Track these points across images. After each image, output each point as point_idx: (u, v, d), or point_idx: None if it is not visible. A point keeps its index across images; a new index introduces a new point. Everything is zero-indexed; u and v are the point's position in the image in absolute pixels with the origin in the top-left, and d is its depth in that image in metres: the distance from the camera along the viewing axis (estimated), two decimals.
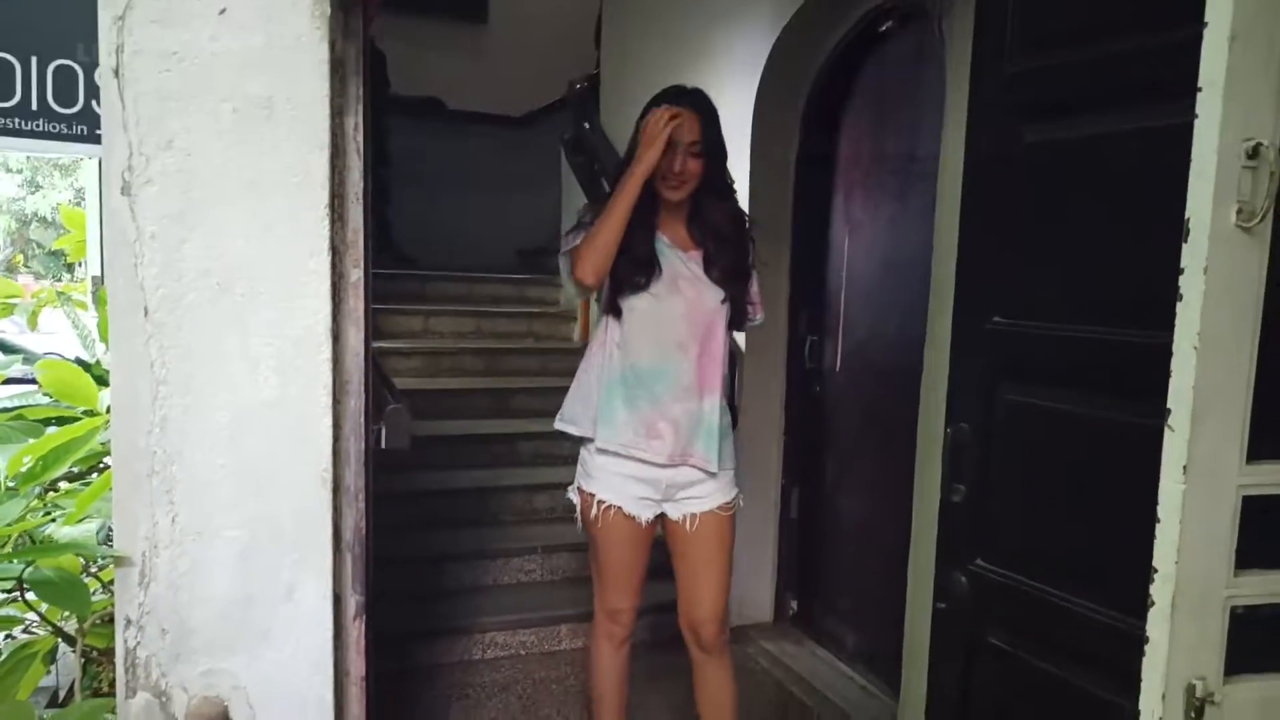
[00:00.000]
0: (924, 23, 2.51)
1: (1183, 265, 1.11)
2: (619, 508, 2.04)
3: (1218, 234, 1.09)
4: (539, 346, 5.07)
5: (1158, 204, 1.27)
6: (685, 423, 2.00)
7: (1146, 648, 1.16)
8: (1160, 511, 1.15)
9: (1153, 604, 1.16)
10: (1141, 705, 1.17)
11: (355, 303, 1.46)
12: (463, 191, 6.41)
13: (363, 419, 1.51)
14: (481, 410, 4.46)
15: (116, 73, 1.28)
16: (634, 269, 1.96)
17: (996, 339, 1.71)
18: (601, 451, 2.05)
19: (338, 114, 1.39)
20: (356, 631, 1.55)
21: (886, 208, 2.99)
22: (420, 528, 3.71)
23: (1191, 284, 1.10)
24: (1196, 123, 1.09)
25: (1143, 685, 1.17)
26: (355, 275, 1.46)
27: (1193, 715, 1.16)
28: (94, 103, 3.34)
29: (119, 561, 1.33)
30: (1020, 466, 1.68)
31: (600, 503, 2.05)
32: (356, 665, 1.56)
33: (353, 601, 1.54)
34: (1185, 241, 1.10)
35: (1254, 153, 1.08)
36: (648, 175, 1.94)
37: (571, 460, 4.27)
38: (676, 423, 1.99)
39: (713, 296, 2.01)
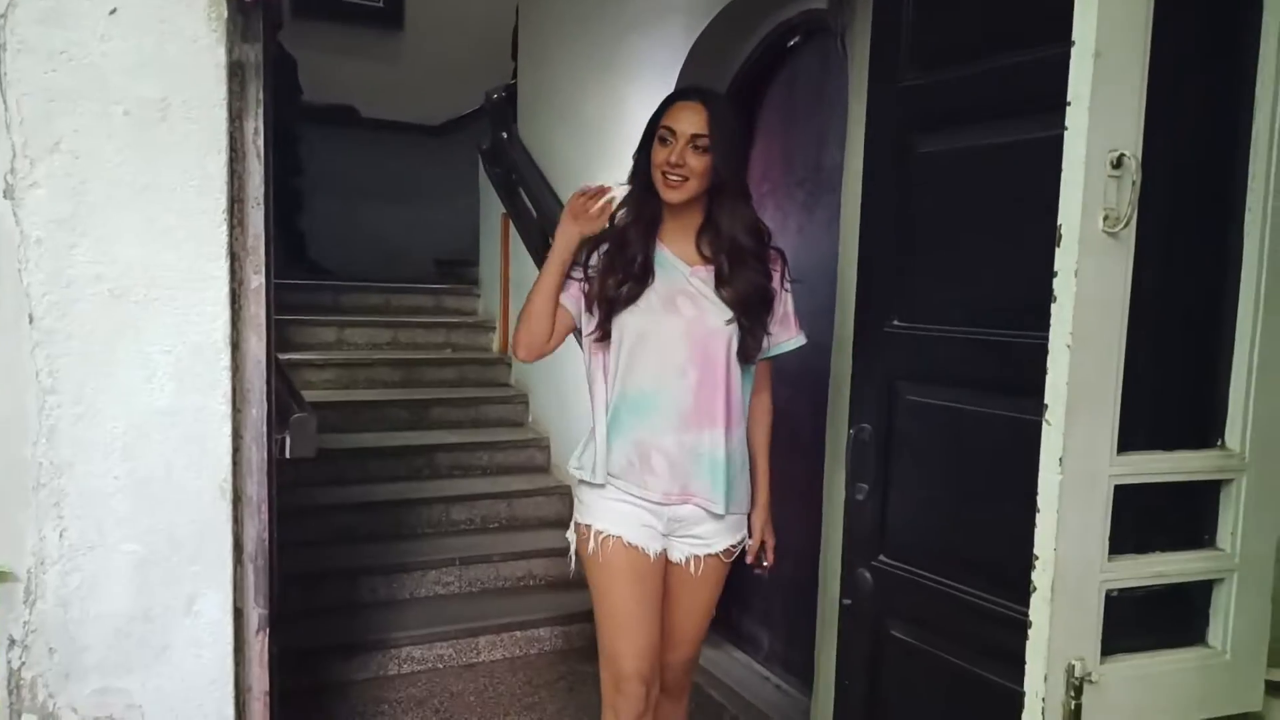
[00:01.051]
0: (828, 38, 2.59)
1: (1055, 269, 1.17)
2: (619, 537, 1.75)
3: (1087, 239, 1.16)
4: (457, 357, 5.02)
5: (1038, 212, 1.34)
6: (680, 456, 1.74)
7: (1029, 631, 1.22)
8: (1040, 501, 1.21)
9: (1034, 589, 1.22)
10: (1026, 686, 1.23)
11: (256, 309, 1.44)
12: (379, 201, 6.33)
13: (265, 427, 1.49)
14: (398, 422, 4.40)
15: None
16: (624, 277, 1.72)
17: (895, 341, 1.78)
18: (597, 484, 1.79)
19: (237, 117, 1.37)
20: (259, 645, 1.52)
21: (795, 218, 3.07)
22: (335, 542, 3.64)
23: (1064, 286, 1.17)
24: (1066, 134, 1.16)
25: (1026, 666, 1.22)
26: (256, 281, 1.44)
27: (1072, 694, 1.22)
28: None
29: (2, 578, 1.28)
30: (918, 464, 1.75)
31: (599, 534, 1.76)
32: (260, 680, 1.54)
33: (255, 615, 1.51)
34: (1057, 246, 1.17)
35: (1118, 163, 1.15)
36: (569, 254, 1.75)
37: (490, 471, 4.31)
38: (670, 455, 1.74)
39: (716, 317, 1.73)
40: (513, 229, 4.92)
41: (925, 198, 1.72)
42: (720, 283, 1.74)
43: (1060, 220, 1.17)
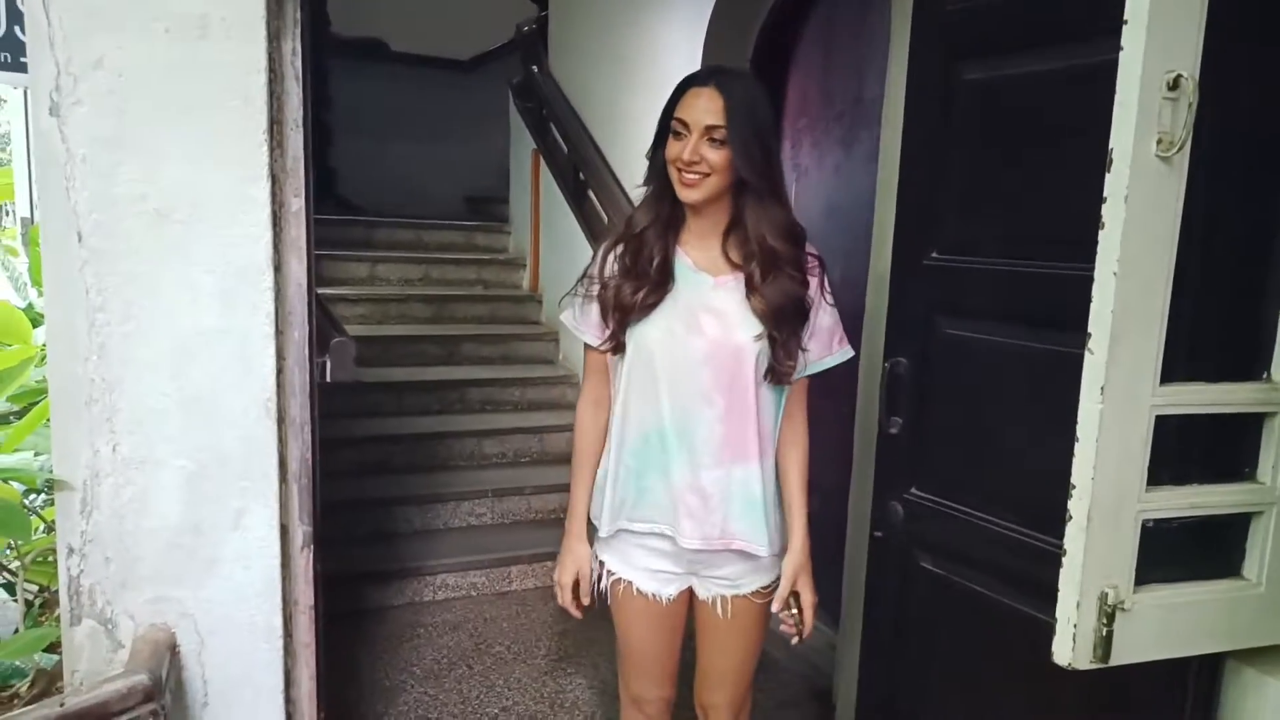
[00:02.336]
0: None
1: (1105, 194, 1.15)
2: (630, 583, 1.63)
3: (1139, 163, 1.13)
4: (488, 294, 5.05)
5: (1088, 140, 1.31)
6: (716, 496, 1.54)
7: (1063, 559, 1.23)
8: (1079, 430, 1.20)
9: (1070, 518, 1.22)
10: (1058, 613, 1.24)
11: (296, 232, 1.45)
12: (409, 137, 6.30)
13: (307, 350, 1.51)
14: (430, 358, 4.45)
15: None
16: (641, 282, 1.52)
17: (934, 275, 1.76)
18: (624, 529, 1.62)
19: (275, 37, 1.37)
20: (304, 561, 1.56)
21: (832, 154, 3.02)
22: (370, 473, 3.71)
23: (1113, 212, 1.15)
24: (1121, 55, 1.13)
25: (1060, 593, 1.23)
26: (296, 204, 1.45)
27: (1104, 621, 1.23)
28: (17, 28, 3.19)
29: (59, 486, 1.33)
30: (954, 397, 1.74)
31: (610, 574, 1.65)
32: (305, 594, 1.58)
33: (300, 532, 1.55)
34: (1108, 171, 1.15)
35: (1174, 84, 1.12)
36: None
37: (521, 407, 4.36)
38: (705, 495, 1.54)
39: (744, 333, 1.51)
40: (543, 165, 4.89)
41: (968, 128, 1.69)
42: (750, 291, 1.52)
43: (1112, 144, 1.14)
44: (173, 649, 1.42)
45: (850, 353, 1.63)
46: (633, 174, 3.91)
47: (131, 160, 1.30)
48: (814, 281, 1.57)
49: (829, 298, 1.60)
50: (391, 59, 6.31)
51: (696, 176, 1.47)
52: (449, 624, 3.14)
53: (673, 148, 1.48)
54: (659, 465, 1.55)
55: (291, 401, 1.49)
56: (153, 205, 1.32)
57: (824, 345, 1.60)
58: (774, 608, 1.61)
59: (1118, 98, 1.13)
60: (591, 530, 1.68)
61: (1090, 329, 1.18)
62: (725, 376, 1.51)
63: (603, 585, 1.66)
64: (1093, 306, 1.17)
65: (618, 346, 1.56)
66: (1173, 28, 1.12)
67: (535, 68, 4.89)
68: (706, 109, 1.45)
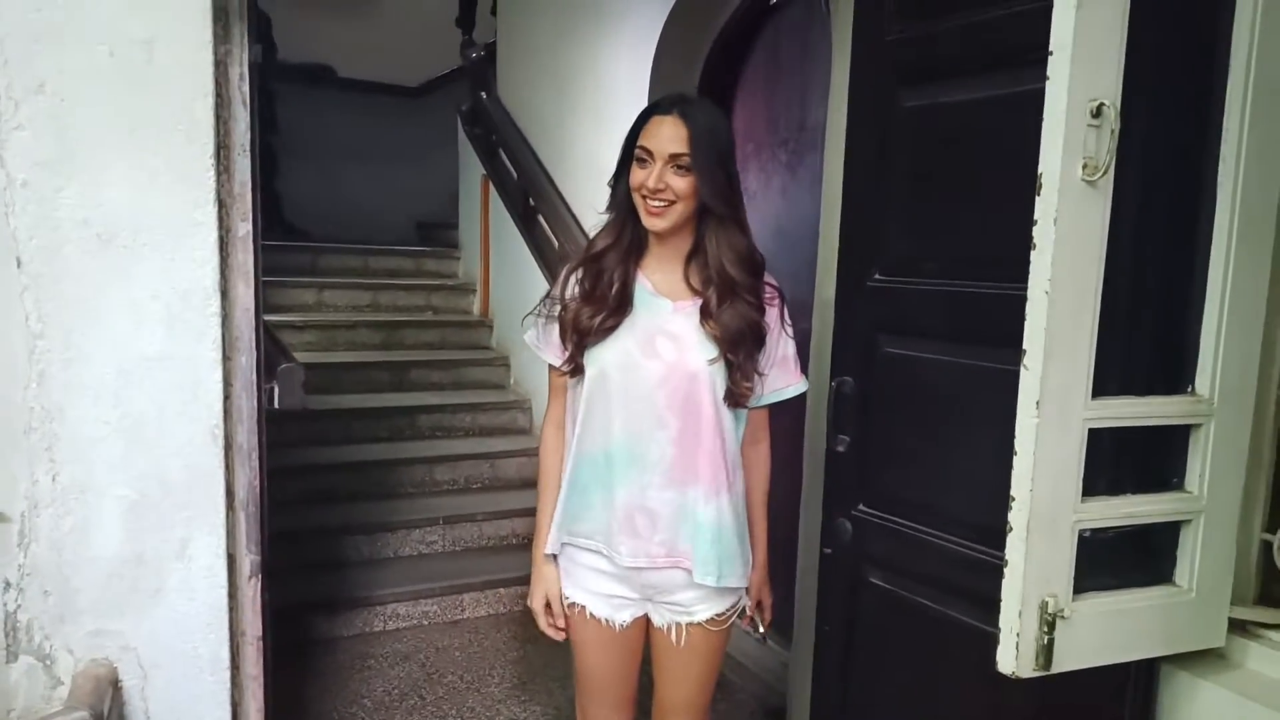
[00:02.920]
0: None
1: (1035, 217, 1.20)
2: (584, 608, 1.63)
3: (1066, 187, 1.18)
4: (438, 319, 5.02)
5: (1020, 165, 1.37)
6: (666, 516, 1.55)
7: (1005, 569, 1.27)
8: (1017, 444, 1.25)
9: (1010, 529, 1.26)
10: (1001, 622, 1.27)
11: (244, 257, 1.44)
12: (357, 163, 6.27)
13: (254, 376, 1.50)
14: (380, 384, 4.41)
15: None
16: (598, 307, 1.53)
17: (877, 295, 1.81)
18: (568, 544, 1.63)
19: (221, 61, 1.37)
20: (252, 590, 1.54)
21: (779, 178, 3.08)
22: (320, 501, 3.66)
23: (1043, 234, 1.20)
24: (1048, 83, 1.18)
25: (1002, 603, 1.27)
26: (243, 229, 1.44)
27: (1045, 629, 1.27)
28: None
29: None
30: (898, 415, 1.78)
31: (565, 599, 1.65)
32: (253, 625, 1.56)
33: (248, 561, 1.53)
34: (1038, 194, 1.20)
35: (1098, 112, 1.17)
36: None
37: (472, 432, 4.33)
38: (654, 515, 1.55)
39: (699, 356, 1.53)
40: (493, 191, 4.90)
41: (907, 153, 1.74)
42: (705, 317, 1.54)
43: (1041, 168, 1.19)
44: (115, 684, 1.38)
45: (806, 385, 1.70)
46: (582, 199, 3.95)
47: (74, 185, 1.28)
48: (773, 311, 1.60)
49: (788, 329, 1.63)
50: (339, 85, 6.28)
51: (662, 205, 1.49)
52: (400, 654, 3.09)
53: (637, 175, 1.50)
54: (604, 484, 1.56)
55: (239, 428, 1.47)
56: (95, 230, 1.30)
57: (785, 374, 1.64)
58: (743, 622, 1.70)
59: (1045, 124, 1.19)
60: None
61: (1025, 346, 1.22)
62: (679, 399, 1.53)
63: (559, 607, 1.66)
64: (1026, 325, 1.22)
65: (575, 369, 1.57)
66: (1095, 58, 1.17)
67: (484, 94, 4.92)
68: (671, 137, 1.47)
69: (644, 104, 3.37)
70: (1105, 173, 1.19)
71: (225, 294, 1.42)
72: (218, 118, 1.35)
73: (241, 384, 1.47)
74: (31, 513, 1.31)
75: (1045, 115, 1.18)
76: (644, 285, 1.57)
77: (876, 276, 1.81)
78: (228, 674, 1.48)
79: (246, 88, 1.42)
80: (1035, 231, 1.20)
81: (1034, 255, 1.20)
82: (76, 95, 1.27)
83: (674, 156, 1.47)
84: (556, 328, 1.59)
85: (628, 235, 1.57)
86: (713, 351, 1.53)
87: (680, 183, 1.48)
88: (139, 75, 1.28)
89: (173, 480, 1.38)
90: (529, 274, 4.40)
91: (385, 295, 5.04)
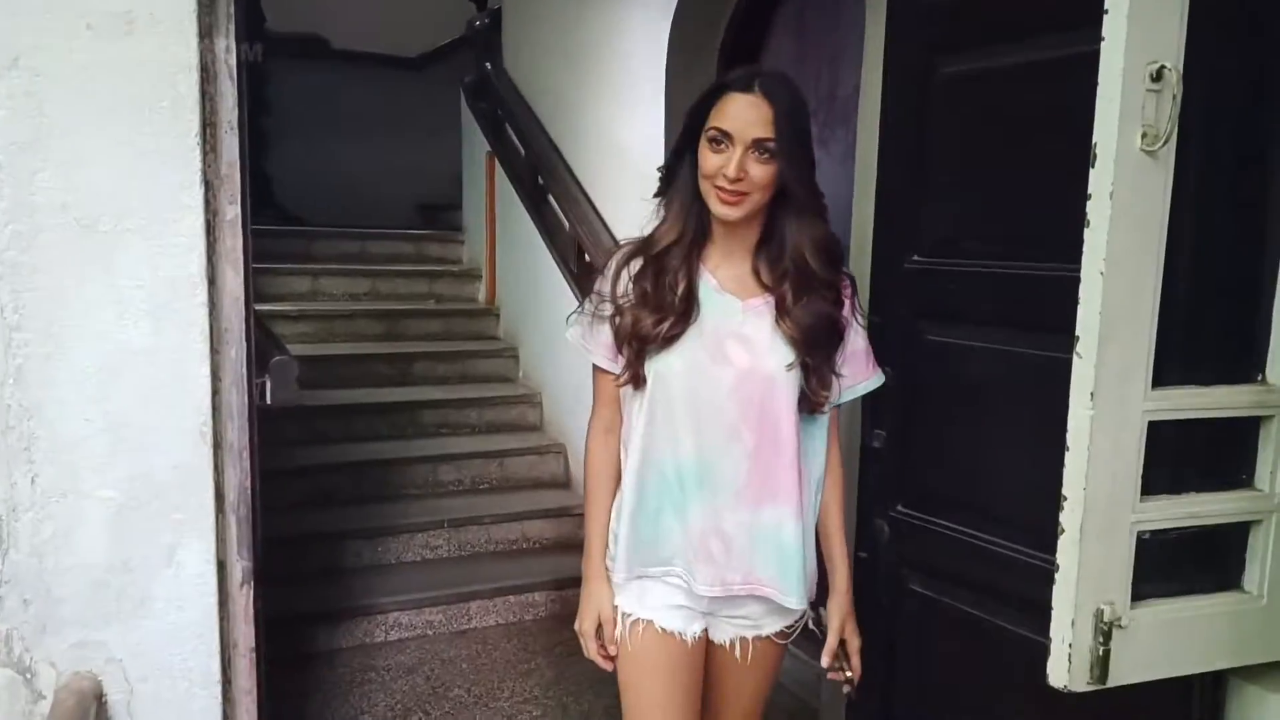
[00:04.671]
0: None
1: (1089, 191, 1.19)
2: (650, 622, 1.54)
3: (1123, 158, 1.17)
4: (442, 308, 5.04)
5: (1072, 135, 1.35)
6: (741, 539, 1.50)
7: (1056, 575, 1.26)
8: (1069, 439, 1.23)
9: (1062, 531, 1.25)
10: (1052, 632, 1.27)
11: (233, 242, 1.45)
12: (353, 141, 6.29)
13: (245, 370, 1.51)
14: (380, 378, 4.43)
15: None
16: (662, 312, 1.46)
17: (916, 279, 1.80)
18: (642, 575, 1.56)
19: (206, 34, 1.37)
20: (244, 599, 1.55)
21: None
22: (317, 505, 3.68)
23: (1098, 209, 1.18)
24: (1102, 46, 1.16)
25: (1053, 612, 1.26)
26: (231, 212, 1.45)
27: (1101, 639, 1.26)
28: None
29: None
30: (941, 408, 1.77)
31: (626, 616, 1.56)
32: (245, 636, 1.57)
33: (239, 568, 1.54)
34: (1092, 167, 1.18)
35: (1158, 75, 1.16)
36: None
37: (480, 429, 4.34)
38: (728, 539, 1.50)
39: (776, 362, 1.47)
40: (499, 169, 4.90)
41: (948, 124, 1.73)
42: (782, 312, 1.48)
43: (1095, 139, 1.18)
44: (99, 698, 1.40)
45: (883, 377, 1.63)
46: (595, 177, 3.95)
47: (51, 167, 1.29)
48: (846, 304, 1.55)
49: (861, 319, 1.59)
50: (333, 57, 6.30)
51: (740, 194, 1.42)
52: (403, 667, 3.11)
53: (711, 161, 1.42)
54: (676, 505, 1.51)
55: (228, 425, 1.48)
56: (75, 215, 1.31)
57: (860, 369, 1.59)
58: (823, 662, 1.60)
59: (1100, 91, 1.17)
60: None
61: (1078, 332, 1.21)
62: (754, 409, 1.47)
63: (617, 633, 1.57)
64: (1080, 309, 1.21)
65: (636, 378, 1.50)
66: (1154, 17, 1.16)
67: (489, 65, 4.91)
68: (754, 120, 1.39)
69: (661, 74, 3.38)
70: (1166, 142, 1.17)
71: (213, 282, 1.43)
72: (203, 93, 1.36)
73: (231, 378, 1.48)
74: (10, 517, 1.33)
75: (1100, 81, 1.17)
76: (708, 282, 1.51)
77: (915, 258, 1.79)
78: (219, 688, 1.50)
79: (234, 60, 1.42)
80: (1089, 207, 1.19)
81: (1088, 233, 1.19)
82: (53, 71, 1.27)
83: (757, 142, 1.40)
84: (606, 328, 1.52)
85: (692, 227, 1.50)
86: (789, 355, 1.48)
87: (762, 171, 1.41)
88: (119, 49, 1.29)
89: (159, 482, 1.40)
90: (538, 258, 4.40)
91: (385, 282, 5.06)
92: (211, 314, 1.42)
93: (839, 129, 2.87)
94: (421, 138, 6.10)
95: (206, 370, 1.41)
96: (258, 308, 2.02)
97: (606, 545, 1.59)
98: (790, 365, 1.47)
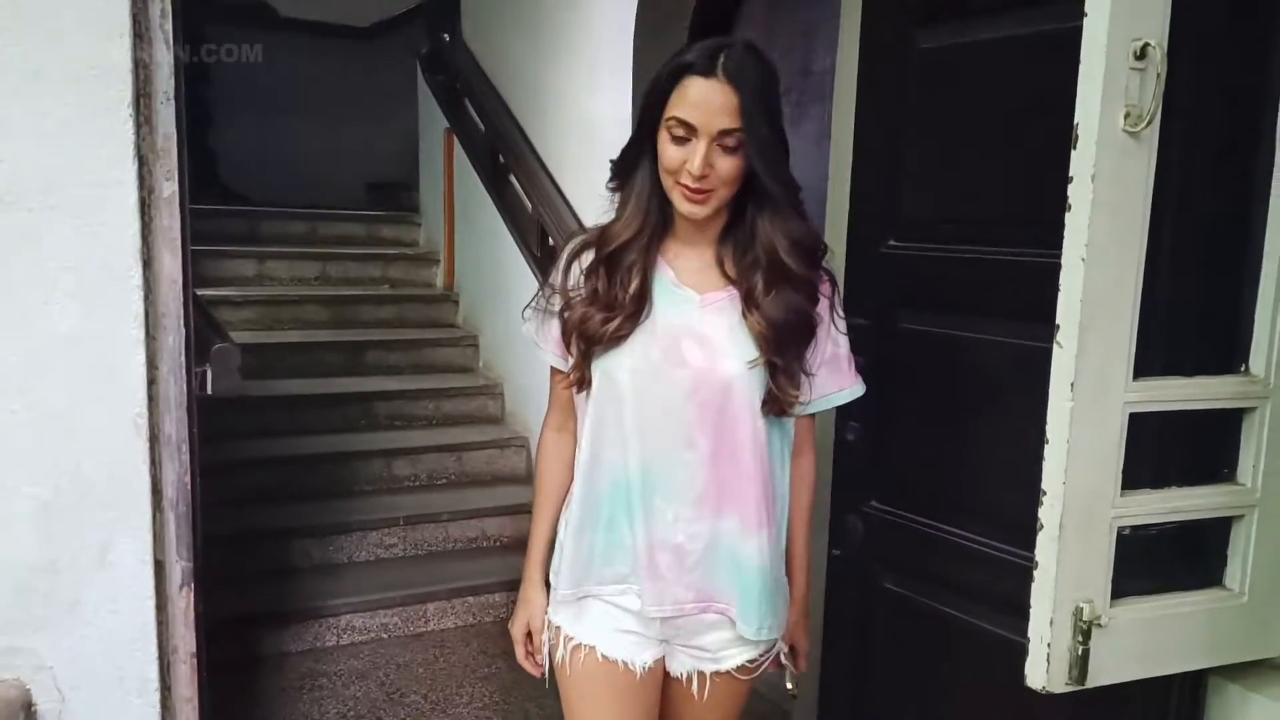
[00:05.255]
0: None
1: (1070, 173, 1.19)
2: (593, 648, 1.48)
3: (1105, 139, 1.18)
4: (396, 294, 5.01)
5: (1053, 115, 1.36)
6: (696, 553, 1.44)
7: (1035, 571, 1.27)
8: (1049, 431, 1.25)
9: (1041, 527, 1.26)
10: (1030, 630, 1.28)
11: (169, 221, 1.43)
12: (301, 116, 6.23)
13: (183, 358, 1.49)
14: (331, 367, 4.40)
15: None
16: (610, 312, 1.40)
17: (892, 264, 1.81)
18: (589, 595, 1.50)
19: None
20: (184, 602, 1.53)
21: None
22: (262, 501, 3.65)
23: (1079, 192, 1.19)
24: (1085, 22, 1.17)
25: (1031, 609, 1.27)
26: (168, 189, 1.42)
27: (1080, 638, 1.27)
28: None
29: None
30: (917, 399, 1.79)
31: (568, 639, 1.50)
32: (185, 640, 1.55)
33: (178, 568, 1.52)
34: (1073, 148, 1.19)
35: (1142, 53, 1.17)
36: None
37: (436, 422, 4.33)
38: (681, 553, 1.43)
39: (735, 361, 1.40)
40: (458, 147, 4.87)
41: (927, 102, 1.74)
42: (750, 307, 1.41)
43: (1077, 119, 1.19)
44: (28, 708, 1.38)
45: (863, 388, 1.55)
46: (559, 156, 3.93)
47: None
48: (823, 301, 1.46)
49: (840, 320, 1.49)
50: (279, 25, 6.21)
51: (706, 191, 1.34)
52: (356, 671, 3.09)
53: (672, 154, 1.34)
54: (628, 516, 1.45)
55: (165, 417, 1.46)
56: None
57: (839, 376, 1.50)
58: (770, 666, 1.55)
59: (1082, 69, 1.18)
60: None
61: (1058, 320, 1.22)
62: (711, 413, 1.41)
63: (558, 656, 1.51)
64: (1060, 296, 1.21)
65: (582, 380, 1.45)
66: None
67: (447, 36, 4.87)
68: (718, 108, 1.30)
69: (629, 44, 3.37)
70: (1150, 123, 1.18)
71: (148, 264, 1.40)
72: (136, 61, 1.33)
73: (168, 367, 1.46)
74: None
75: (1083, 59, 1.17)
76: (665, 275, 1.44)
77: (891, 242, 1.80)
78: (157, 696, 1.48)
79: (169, 25, 1.39)
80: (1070, 190, 1.19)
81: (1069, 217, 1.20)
82: None
83: (722, 134, 1.31)
84: (556, 324, 1.47)
85: (651, 222, 1.42)
86: (752, 352, 1.40)
87: (729, 163, 1.33)
88: (44, 9, 1.26)
89: (90, 477, 1.37)
90: (499, 241, 4.37)
91: (335, 266, 5.02)
92: (147, 298, 1.40)
93: (812, 107, 2.88)
94: (374, 113, 6.05)
95: (141, 358, 1.39)
96: (199, 292, 1.99)
97: (549, 552, 1.55)
98: (752, 363, 1.40)
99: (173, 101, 1.41)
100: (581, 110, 3.75)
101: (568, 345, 1.46)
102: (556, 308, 1.47)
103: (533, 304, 1.52)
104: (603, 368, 1.43)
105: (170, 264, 1.44)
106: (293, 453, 3.84)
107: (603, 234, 1.45)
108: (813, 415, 1.55)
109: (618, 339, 1.41)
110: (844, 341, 1.51)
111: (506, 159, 4.29)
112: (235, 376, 1.83)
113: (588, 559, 1.47)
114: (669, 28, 3.33)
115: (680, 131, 1.32)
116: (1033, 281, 1.46)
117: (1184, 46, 1.19)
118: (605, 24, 3.54)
